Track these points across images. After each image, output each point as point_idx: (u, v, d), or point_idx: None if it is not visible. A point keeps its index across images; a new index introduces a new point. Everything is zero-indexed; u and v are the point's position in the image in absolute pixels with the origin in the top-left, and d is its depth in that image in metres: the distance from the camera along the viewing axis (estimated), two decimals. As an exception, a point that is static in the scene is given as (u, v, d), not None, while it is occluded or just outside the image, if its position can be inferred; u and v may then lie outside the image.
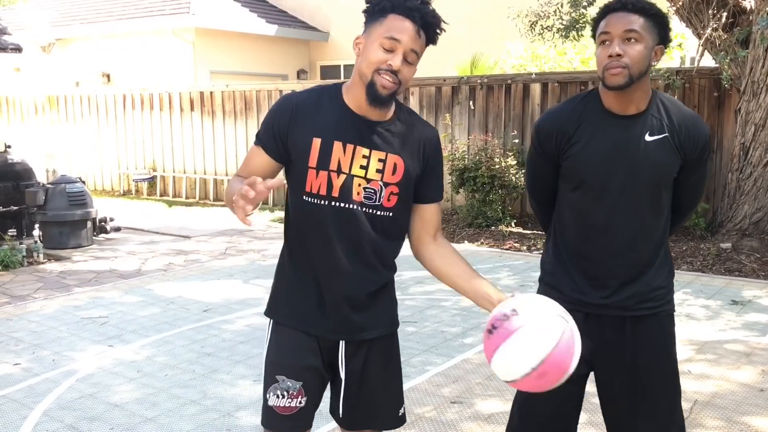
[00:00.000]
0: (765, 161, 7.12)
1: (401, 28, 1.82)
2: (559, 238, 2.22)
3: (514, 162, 8.73)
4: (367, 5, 1.89)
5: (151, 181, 12.81)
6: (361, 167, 1.90)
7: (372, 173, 1.91)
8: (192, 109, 12.34)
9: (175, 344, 4.74)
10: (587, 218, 2.12)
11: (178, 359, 4.45)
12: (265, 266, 7.07)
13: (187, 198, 12.40)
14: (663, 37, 2.05)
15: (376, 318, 2.01)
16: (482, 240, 8.27)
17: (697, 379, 4.03)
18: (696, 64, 8.29)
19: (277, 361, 2.02)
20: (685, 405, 3.66)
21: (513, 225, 8.76)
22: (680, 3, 7.77)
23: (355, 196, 1.91)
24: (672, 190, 2.15)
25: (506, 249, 7.85)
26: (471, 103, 9.65)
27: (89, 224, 8.31)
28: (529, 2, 9.49)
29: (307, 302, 1.98)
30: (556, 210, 2.25)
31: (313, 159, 1.89)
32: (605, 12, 2.05)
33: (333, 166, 1.89)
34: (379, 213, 1.94)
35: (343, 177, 1.89)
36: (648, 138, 2.06)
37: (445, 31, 1.90)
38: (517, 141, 9.21)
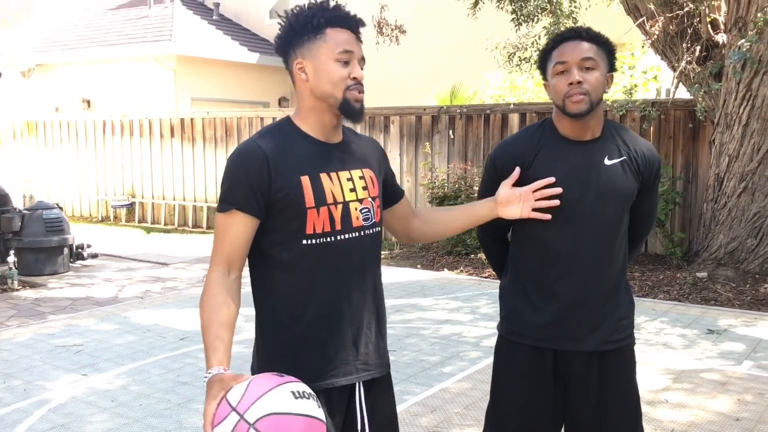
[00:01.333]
0: (739, 192, 7.24)
1: (348, 39, 1.82)
2: (521, 273, 2.17)
3: (494, 191, 8.76)
4: (294, 24, 1.82)
5: (130, 207, 12.73)
6: (351, 190, 1.86)
7: (361, 192, 1.87)
8: (172, 135, 12.32)
9: (150, 373, 4.68)
10: (552, 246, 2.08)
11: (153, 388, 4.39)
12: (244, 294, 6.99)
13: (165, 225, 12.32)
14: (612, 65, 2.09)
15: (383, 353, 1.94)
16: (461, 268, 8.29)
17: (674, 408, 4.05)
18: (671, 96, 8.45)
19: None
20: (661, 434, 3.68)
21: None
22: (655, 36, 7.93)
23: (355, 222, 1.85)
24: (629, 216, 2.16)
25: (485, 277, 7.87)
26: (451, 132, 9.74)
27: (66, 251, 8.23)
28: (508, 34, 9.64)
29: (317, 355, 1.82)
30: (514, 244, 2.21)
31: (309, 198, 1.78)
32: (558, 41, 2.08)
33: (329, 199, 1.81)
34: (375, 230, 1.92)
35: (340, 207, 1.83)
36: (607, 162, 2.07)
37: (365, 25, 1.91)
38: (496, 170, 9.25)
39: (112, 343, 5.38)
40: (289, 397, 1.54)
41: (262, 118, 11.43)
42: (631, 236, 2.20)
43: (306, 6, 1.85)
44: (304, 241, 1.79)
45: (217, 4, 16.96)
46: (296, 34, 1.83)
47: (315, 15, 1.82)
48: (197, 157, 12.09)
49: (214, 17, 16.59)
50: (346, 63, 1.81)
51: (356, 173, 1.88)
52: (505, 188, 2.08)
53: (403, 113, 10.05)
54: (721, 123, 7.44)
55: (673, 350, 5.16)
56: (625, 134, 2.15)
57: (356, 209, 1.85)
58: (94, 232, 11.41)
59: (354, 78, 1.81)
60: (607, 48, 2.07)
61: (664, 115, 8.26)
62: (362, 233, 1.87)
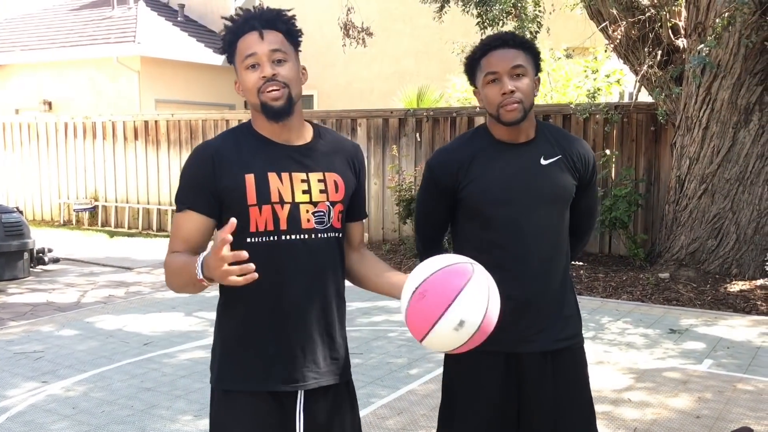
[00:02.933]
0: (699, 194, 7.38)
1: (249, 42, 1.79)
2: None
3: (460, 193, 8.82)
4: (222, 50, 1.88)
5: (93, 211, 12.52)
6: (304, 192, 1.82)
7: (316, 195, 1.83)
8: (136, 138, 12.15)
9: (113, 379, 4.60)
10: (498, 249, 2.07)
11: (116, 395, 4.32)
12: (209, 298, 6.95)
13: (129, 228, 12.14)
14: (538, 67, 2.11)
15: (335, 361, 1.89)
16: (428, 270, 8.31)
17: (637, 407, 4.10)
18: (634, 100, 8.58)
19: None
20: (624, 433, 3.73)
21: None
22: (618, 40, 8.06)
23: (305, 224, 1.81)
24: (569, 215, 2.18)
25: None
26: (418, 135, 9.77)
27: (26, 255, 8.05)
28: (473, 38, 9.68)
29: (260, 355, 1.81)
30: (457, 250, 2.17)
31: (251, 195, 1.78)
32: (486, 49, 2.06)
33: (274, 197, 1.79)
34: (331, 235, 1.86)
35: (287, 207, 1.80)
36: (543, 162, 2.10)
37: (294, 16, 1.85)
38: (462, 172, 9.32)
39: (74, 349, 5.29)
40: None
41: (227, 121, 11.33)
42: (573, 233, 2.23)
43: (223, 27, 1.86)
44: (248, 239, 1.78)
45: (182, 6, 16.79)
46: (228, 59, 1.87)
47: (225, 35, 1.84)
48: (162, 159, 11.94)
49: (179, 18, 16.42)
50: (255, 67, 1.79)
51: (315, 176, 1.85)
52: None
53: (370, 116, 10.05)
54: (681, 126, 7.58)
55: (636, 350, 5.23)
56: (559, 134, 2.19)
57: (307, 211, 1.82)
58: (55, 236, 11.20)
59: (263, 77, 1.77)
60: (533, 52, 2.09)
61: (627, 118, 8.39)
62: (314, 236, 1.83)
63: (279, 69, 1.78)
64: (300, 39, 1.87)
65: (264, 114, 1.80)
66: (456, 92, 12.21)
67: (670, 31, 7.84)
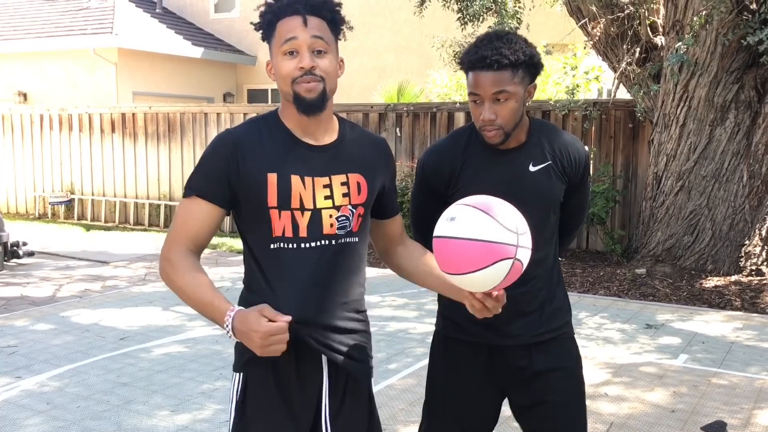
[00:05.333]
0: (676, 190, 7.45)
1: (291, 26, 1.69)
2: None
3: (440, 188, 8.85)
4: (257, 25, 1.77)
5: (69, 204, 12.37)
6: (326, 198, 1.74)
7: (339, 199, 1.75)
8: (113, 130, 12.02)
9: (89, 374, 4.55)
10: None
11: (91, 390, 4.27)
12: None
13: (106, 222, 12.01)
14: (535, 74, 2.02)
15: (354, 366, 1.83)
16: (408, 265, 8.31)
17: (613, 401, 4.14)
18: (612, 97, 8.64)
19: None
20: (601, 427, 3.76)
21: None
22: (597, 37, 8.10)
23: (327, 230, 1.74)
24: (558, 213, 2.17)
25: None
26: (398, 130, 9.76)
27: (0, 249, 7.93)
28: (454, 33, 9.71)
29: (285, 358, 1.72)
30: None
31: (273, 197, 1.70)
32: (470, 66, 1.97)
33: (295, 203, 1.71)
34: (350, 240, 1.79)
35: (308, 214, 1.72)
36: (532, 168, 2.07)
37: (341, 4, 1.76)
38: (442, 168, 9.34)
39: (49, 343, 5.22)
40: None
41: (206, 114, 11.25)
42: (562, 230, 2.22)
43: (264, 3, 1.76)
44: (272, 245, 1.73)
45: (161, -3, 16.63)
46: (264, 37, 1.76)
47: (266, 11, 1.74)
48: (139, 152, 11.82)
49: (157, 10, 16.26)
50: (293, 53, 1.69)
51: (339, 178, 1.77)
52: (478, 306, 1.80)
53: (351, 110, 10.02)
54: (659, 123, 7.65)
55: (612, 345, 5.28)
56: (551, 135, 2.14)
57: (331, 216, 1.75)
58: (30, 229, 11.05)
59: (301, 68, 1.68)
60: (525, 65, 1.97)
61: (605, 115, 8.45)
62: (335, 242, 1.76)
63: (318, 61, 1.70)
64: (342, 28, 1.79)
65: (295, 105, 1.72)
66: (436, 87, 12.23)
67: (648, 28, 7.90)
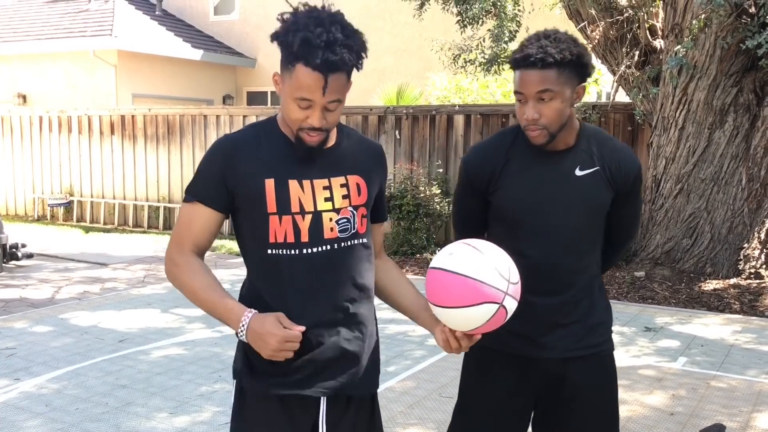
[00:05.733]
0: (675, 193, 7.46)
1: (311, 86, 1.62)
2: None
3: (439, 191, 8.87)
4: (278, 41, 1.67)
5: (68, 206, 12.36)
6: (326, 199, 1.73)
7: (339, 201, 1.75)
8: (112, 132, 12.02)
9: (87, 376, 4.55)
10: (521, 257, 1.96)
11: (90, 392, 4.27)
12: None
13: (105, 224, 12.01)
14: (583, 74, 1.96)
15: (362, 372, 1.82)
16: (407, 267, 8.32)
17: (613, 404, 4.13)
18: (611, 100, 8.65)
19: None
20: (600, 430, 3.75)
21: (438, 253, 8.85)
22: (596, 41, 8.11)
23: (328, 234, 1.73)
24: (605, 224, 2.09)
25: (430, 277, 7.91)
26: (397, 132, 9.76)
27: (-1, 251, 7.94)
28: (453, 36, 9.72)
29: (284, 365, 1.72)
30: None
31: (271, 203, 1.69)
32: (515, 64, 1.93)
33: (295, 208, 1.71)
34: (356, 242, 1.78)
35: (309, 217, 1.71)
36: (578, 173, 2.00)
37: (365, 57, 1.69)
38: (441, 170, 9.36)
39: (47, 345, 5.21)
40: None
41: (205, 116, 11.25)
42: (610, 243, 2.15)
43: (294, 20, 1.64)
44: (269, 251, 1.72)
45: (160, 0, 16.63)
46: (282, 50, 1.68)
47: (290, 43, 1.62)
48: (138, 154, 11.82)
49: (157, 12, 16.26)
50: (305, 104, 1.66)
51: (337, 181, 1.76)
52: (443, 338, 1.80)
53: (350, 113, 10.02)
54: (658, 126, 7.65)
55: (611, 348, 5.27)
56: (602, 141, 2.06)
57: (331, 220, 1.74)
58: (29, 231, 11.04)
59: (309, 124, 1.67)
60: (572, 64, 1.90)
61: (605, 117, 8.45)
62: (338, 246, 1.75)
63: (328, 116, 1.68)
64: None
65: (297, 148, 1.72)
66: (435, 90, 12.24)
67: (647, 32, 7.91)
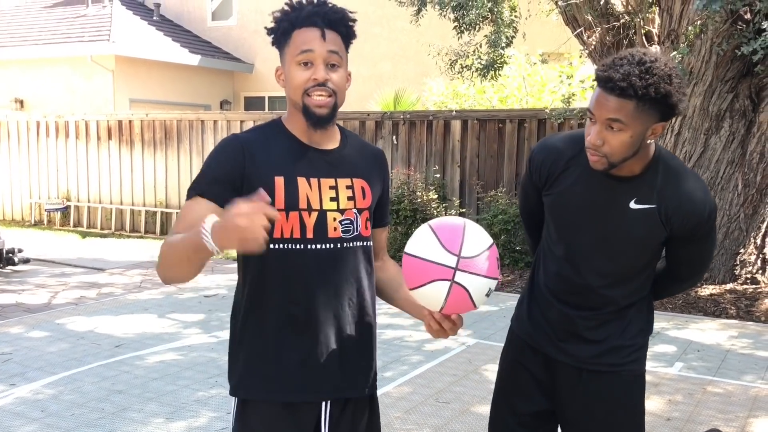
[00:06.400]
0: (671, 199, 7.47)
1: (309, 37, 1.70)
2: (536, 272, 2.12)
3: (436, 196, 8.87)
4: (270, 30, 1.77)
5: (65, 211, 12.35)
6: (332, 199, 1.75)
7: (344, 202, 1.77)
8: (110, 137, 12.02)
9: (84, 381, 4.54)
10: (556, 265, 1.98)
11: (86, 397, 4.26)
12: (182, 300, 6.89)
13: (102, 229, 12.00)
14: (665, 113, 1.77)
15: (360, 374, 1.84)
16: (404, 273, 8.32)
17: (609, 409, 4.14)
18: (608, 105, 8.66)
19: None
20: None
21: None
22: (593, 46, 8.14)
23: (331, 233, 1.75)
24: (657, 259, 2.00)
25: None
26: (394, 137, 9.78)
27: (-5, 256, 7.92)
28: (450, 42, 9.74)
29: (282, 365, 1.74)
30: (540, 243, 2.13)
31: (280, 199, 1.70)
32: (596, 79, 1.80)
33: (302, 204, 1.72)
34: (358, 244, 1.80)
35: (315, 214, 1.73)
36: (633, 206, 1.88)
37: (356, 20, 1.79)
38: (438, 176, 9.37)
39: (44, 351, 5.20)
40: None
41: (203, 121, 11.26)
42: (671, 277, 2.08)
43: (284, 9, 1.76)
44: (272, 245, 1.70)
45: (158, 5, 16.65)
46: (276, 41, 1.77)
47: (283, 19, 1.74)
48: (135, 159, 11.82)
49: (155, 18, 16.28)
50: (307, 64, 1.70)
51: (344, 181, 1.78)
52: (425, 322, 1.81)
53: (347, 118, 10.04)
54: (654, 132, 7.66)
55: (608, 353, 5.27)
56: (670, 176, 1.89)
57: (335, 219, 1.75)
58: (26, 236, 11.03)
59: (314, 79, 1.69)
60: (655, 102, 1.72)
61: (601, 123, 8.46)
62: (340, 245, 1.76)
63: (332, 74, 1.71)
64: (352, 42, 1.81)
65: (305, 117, 1.73)
66: (432, 95, 12.26)
67: (644, 37, 7.94)
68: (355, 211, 1.79)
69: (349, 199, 1.78)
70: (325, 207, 1.75)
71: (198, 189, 1.72)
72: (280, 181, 1.72)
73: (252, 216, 1.41)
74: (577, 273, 1.98)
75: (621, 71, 1.72)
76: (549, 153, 2.01)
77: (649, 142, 1.82)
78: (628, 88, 1.70)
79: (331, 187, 1.76)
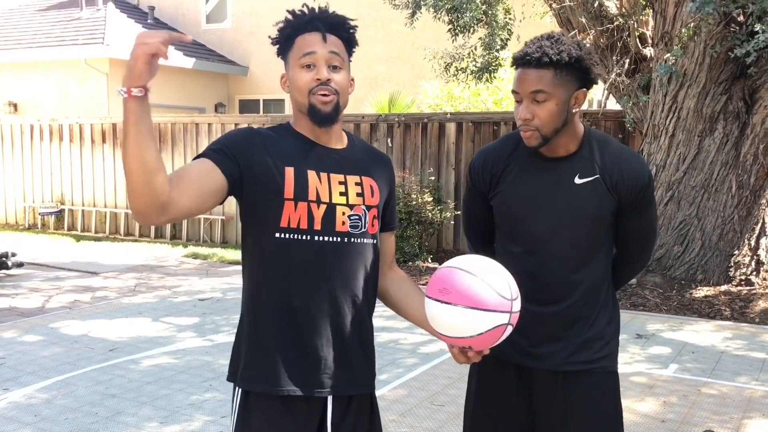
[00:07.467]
0: (666, 200, 7.49)
1: (311, 41, 1.76)
2: None
3: (431, 198, 8.88)
4: (274, 40, 1.84)
5: (59, 214, 12.31)
6: (341, 194, 1.78)
7: (353, 198, 1.79)
8: (104, 141, 11.99)
9: (77, 386, 4.52)
10: (518, 264, 1.94)
11: (80, 401, 4.24)
12: (176, 303, 6.87)
13: (96, 232, 11.96)
14: (585, 80, 1.90)
15: (360, 371, 1.86)
16: (399, 276, 8.31)
17: (604, 411, 4.14)
18: (602, 107, 8.69)
19: None
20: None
21: (429, 261, 8.85)
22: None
23: (339, 227, 1.77)
24: (611, 237, 2.02)
25: (423, 284, 7.91)
26: (389, 140, 9.78)
27: (-11, 259, 7.89)
28: (445, 44, 9.75)
29: (288, 357, 1.75)
30: (494, 254, 2.09)
31: (289, 189, 1.73)
32: (514, 63, 1.91)
33: (312, 196, 1.74)
34: (365, 241, 1.82)
35: (323, 207, 1.75)
36: (578, 180, 1.94)
37: (356, 26, 1.85)
38: (433, 178, 9.38)
39: (37, 355, 5.18)
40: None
41: (197, 124, 11.24)
42: (622, 259, 2.11)
43: (286, 18, 1.82)
44: (277, 234, 1.73)
45: (152, 8, 16.64)
46: (279, 48, 1.83)
47: (285, 27, 1.81)
48: (130, 163, 11.77)
49: (149, 21, 16.27)
50: (310, 67, 1.76)
51: (353, 178, 1.82)
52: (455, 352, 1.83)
53: (342, 120, 10.02)
54: (649, 134, 7.69)
55: (603, 355, 5.27)
56: (606, 147, 1.98)
57: (343, 213, 1.78)
58: (20, 240, 10.99)
59: (317, 79, 1.75)
60: (572, 67, 1.85)
61: (595, 125, 8.48)
62: (347, 240, 1.78)
63: (334, 75, 1.77)
64: (354, 50, 1.87)
65: (310, 117, 1.78)
66: (427, 98, 12.27)
67: (637, 40, 7.96)
68: (363, 207, 1.81)
69: (358, 195, 1.81)
70: (334, 201, 1.77)
71: (206, 155, 1.72)
72: (290, 172, 1.74)
73: (151, 34, 1.59)
74: (540, 263, 1.98)
75: (534, 46, 1.87)
76: (488, 156, 2.08)
77: (574, 111, 1.91)
78: (542, 57, 1.83)
79: (340, 183, 1.79)
